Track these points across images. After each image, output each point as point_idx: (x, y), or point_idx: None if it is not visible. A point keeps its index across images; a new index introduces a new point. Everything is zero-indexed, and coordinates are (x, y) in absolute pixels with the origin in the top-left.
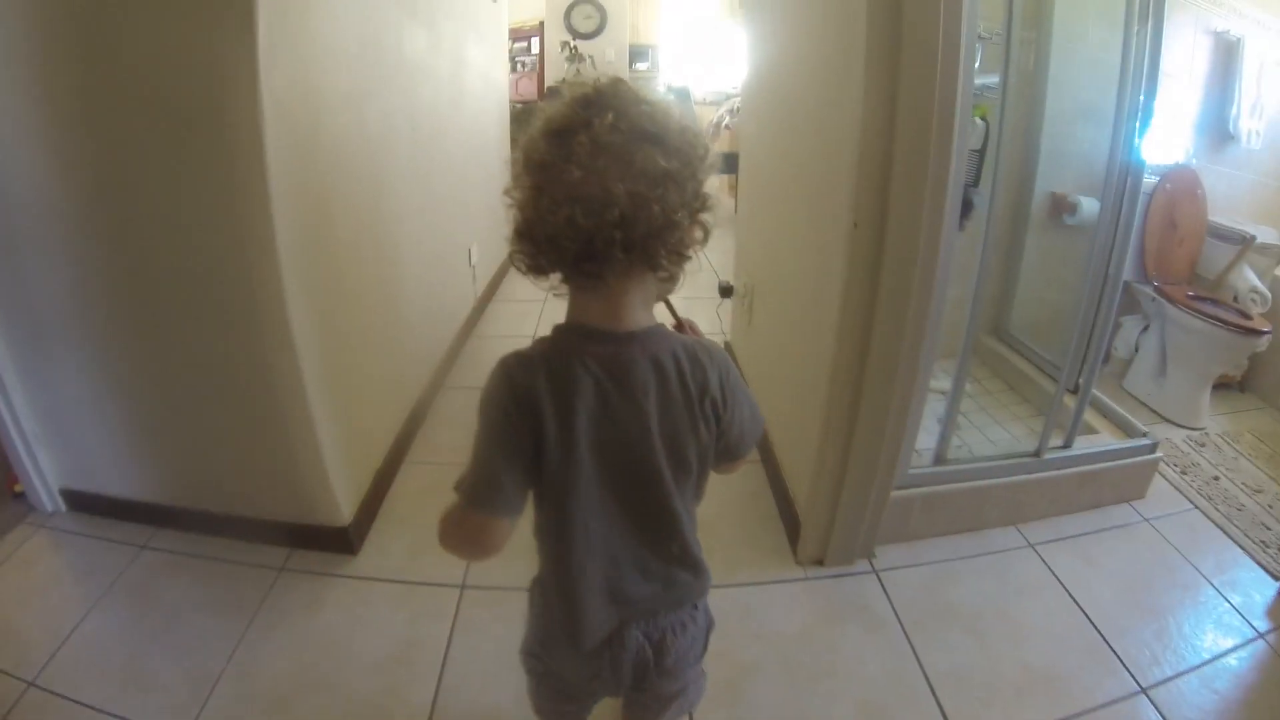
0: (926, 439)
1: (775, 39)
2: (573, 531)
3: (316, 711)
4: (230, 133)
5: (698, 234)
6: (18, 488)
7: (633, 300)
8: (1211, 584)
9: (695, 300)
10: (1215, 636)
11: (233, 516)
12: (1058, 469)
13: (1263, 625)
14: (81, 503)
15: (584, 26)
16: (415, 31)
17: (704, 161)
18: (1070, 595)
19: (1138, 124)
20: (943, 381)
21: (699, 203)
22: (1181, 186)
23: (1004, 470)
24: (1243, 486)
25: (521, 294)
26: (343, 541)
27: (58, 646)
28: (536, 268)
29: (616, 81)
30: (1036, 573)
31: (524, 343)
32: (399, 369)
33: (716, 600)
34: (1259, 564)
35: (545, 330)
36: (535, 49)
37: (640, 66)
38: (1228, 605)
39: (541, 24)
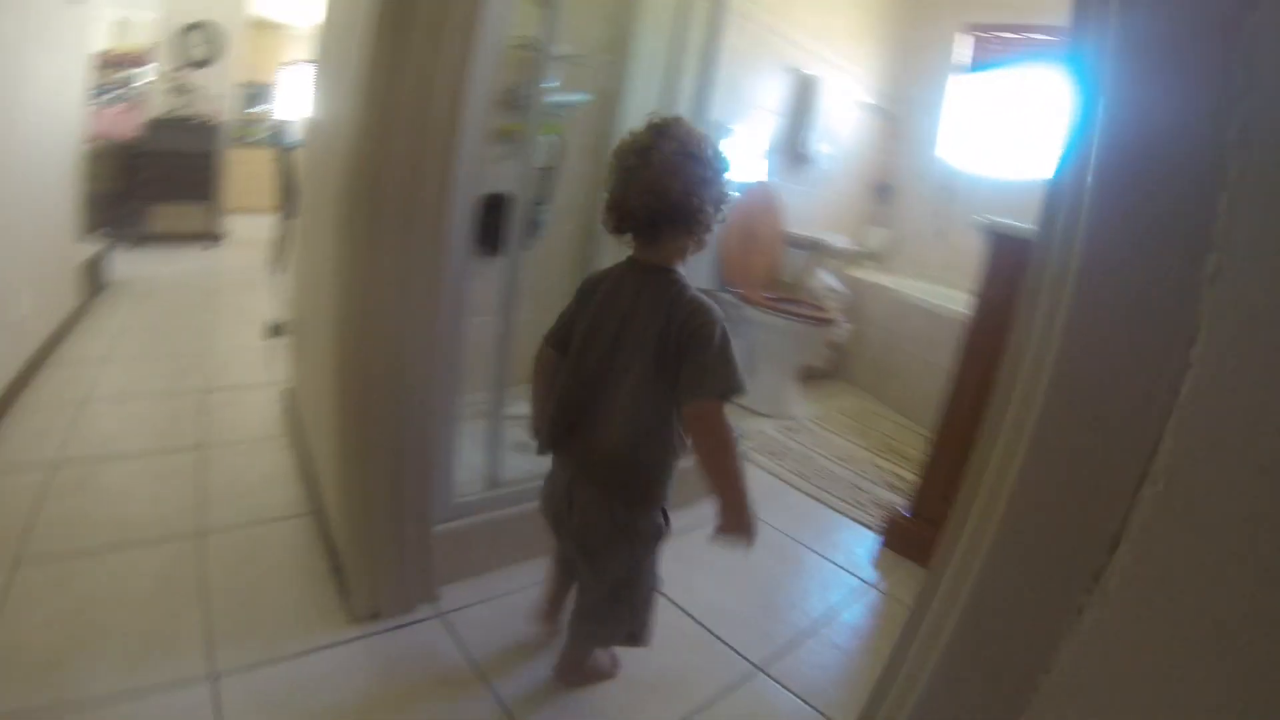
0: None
1: (327, 76)
2: (570, 363)
3: None
4: None
5: (717, 217)
6: None
7: (667, 250)
8: (815, 551)
9: (244, 348)
10: (827, 597)
11: None
12: None
13: (870, 576)
14: None
15: (197, 54)
16: None
17: (724, 174)
18: (666, 597)
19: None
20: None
21: (720, 198)
22: (759, 201)
23: None
24: (835, 459)
25: (90, 353)
26: None
27: None
28: (619, 229)
29: (676, 119)
30: None
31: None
32: None
33: (265, 677)
34: (858, 522)
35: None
36: (141, 80)
37: (257, 108)
38: (834, 566)
39: (151, 49)
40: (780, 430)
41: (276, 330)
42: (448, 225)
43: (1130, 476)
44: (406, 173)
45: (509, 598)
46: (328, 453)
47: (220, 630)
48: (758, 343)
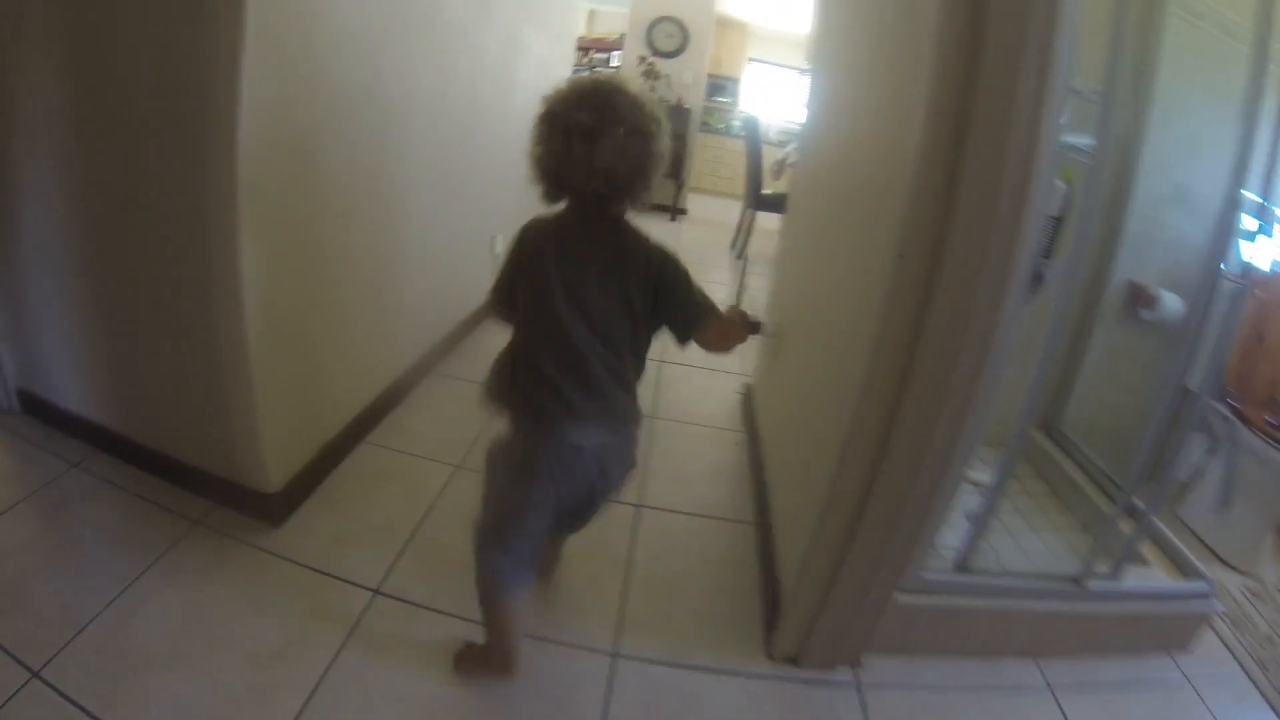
0: (949, 535)
1: (836, 79)
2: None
3: (168, 690)
4: (202, 63)
5: (653, 181)
6: None
7: (615, 211)
8: None
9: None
10: None
11: (165, 455)
12: (1099, 602)
13: None
14: (34, 406)
15: (665, 45)
16: None
17: (661, 135)
18: None
19: (1240, 219)
20: (979, 472)
21: (658, 162)
22: (1276, 295)
23: (1037, 593)
24: None
25: None
26: (265, 509)
27: None
28: (555, 199)
29: (616, 90)
30: None
31: None
32: (380, 345)
33: (662, 677)
34: None
35: None
36: (610, 65)
37: (720, 99)
38: None
39: (623, 36)
40: (1241, 591)
41: (757, 328)
42: (1017, 258)
43: None
44: (979, 202)
45: (934, 693)
46: (800, 472)
47: (633, 611)
48: (1241, 472)
